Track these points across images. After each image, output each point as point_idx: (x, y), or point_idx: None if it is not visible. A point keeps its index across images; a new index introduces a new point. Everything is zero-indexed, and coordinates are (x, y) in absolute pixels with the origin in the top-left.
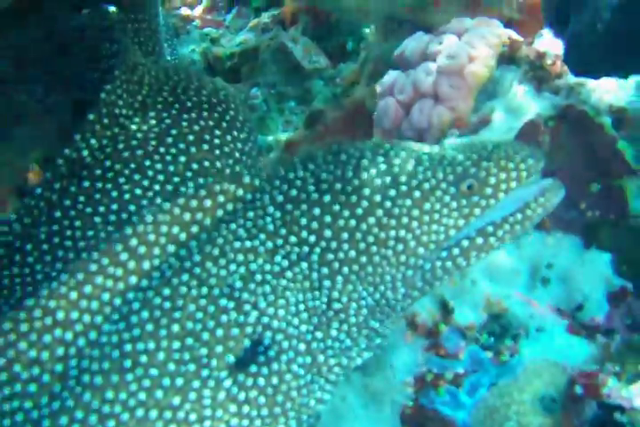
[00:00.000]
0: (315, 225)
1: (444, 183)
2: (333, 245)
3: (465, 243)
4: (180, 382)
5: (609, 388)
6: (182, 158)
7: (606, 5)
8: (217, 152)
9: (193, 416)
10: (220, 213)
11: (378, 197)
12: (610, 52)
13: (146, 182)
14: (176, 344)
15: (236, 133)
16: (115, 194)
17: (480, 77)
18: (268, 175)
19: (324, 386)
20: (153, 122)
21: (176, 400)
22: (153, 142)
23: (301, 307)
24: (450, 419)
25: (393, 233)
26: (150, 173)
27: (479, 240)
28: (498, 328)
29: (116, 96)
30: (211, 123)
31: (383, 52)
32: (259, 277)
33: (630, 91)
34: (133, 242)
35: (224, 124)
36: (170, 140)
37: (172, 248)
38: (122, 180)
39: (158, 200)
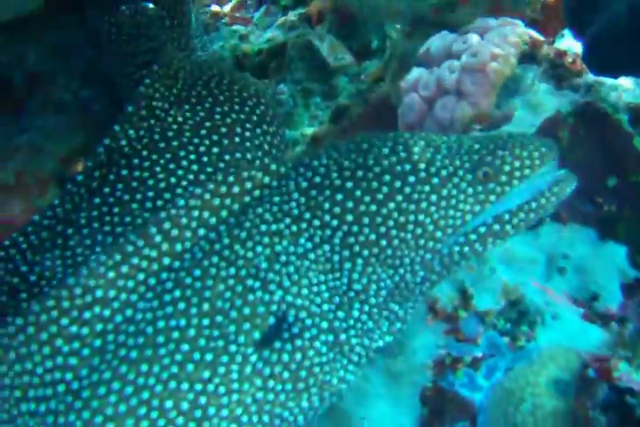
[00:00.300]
0: (337, 210)
1: (461, 170)
2: (354, 228)
3: (482, 229)
4: (209, 356)
5: (620, 372)
6: (215, 150)
7: (625, 7)
8: (247, 144)
9: (222, 389)
10: (247, 198)
11: (398, 183)
12: (629, 52)
13: (180, 172)
14: (206, 321)
15: (265, 127)
16: (151, 182)
17: (502, 75)
18: (294, 163)
19: (347, 366)
20: (188, 114)
21: (206, 374)
22: (187, 134)
23: (323, 287)
24: (467, 400)
25: (412, 217)
26: (184, 162)
27: (496, 227)
28: (515, 315)
29: (153, 90)
30: (242, 116)
31: (407, 51)
32: (283, 258)
33: None
34: (167, 225)
35: (255, 118)
36: (203, 131)
37: (202, 231)
38: (158, 169)
39: (191, 189)
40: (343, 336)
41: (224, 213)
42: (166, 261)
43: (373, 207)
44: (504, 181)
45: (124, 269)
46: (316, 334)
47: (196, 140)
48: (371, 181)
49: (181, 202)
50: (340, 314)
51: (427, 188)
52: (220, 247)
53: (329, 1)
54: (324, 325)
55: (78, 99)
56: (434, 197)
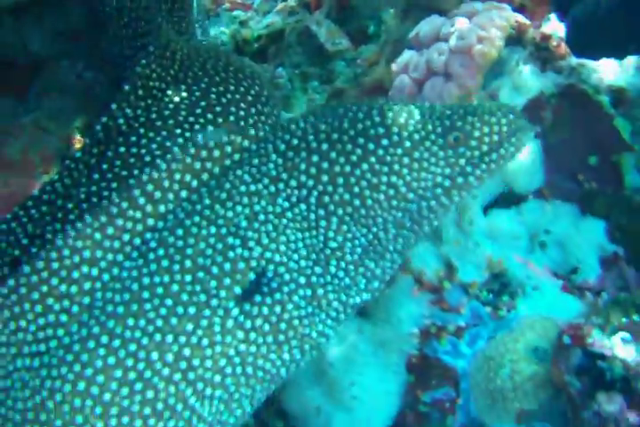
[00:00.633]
0: (313, 170)
1: (433, 135)
2: (329, 188)
3: (447, 183)
4: (192, 310)
5: (593, 338)
6: (210, 128)
7: None
8: (242, 123)
9: (205, 341)
10: (227, 162)
11: (371, 146)
12: (610, 35)
13: (176, 149)
14: (188, 277)
15: (260, 107)
16: (148, 159)
17: (488, 57)
18: (272, 127)
19: (325, 320)
20: (184, 94)
21: (189, 327)
22: (183, 113)
23: (300, 244)
24: (451, 366)
25: (385, 179)
26: (180, 140)
27: (460, 180)
28: (497, 286)
29: (150, 70)
30: (237, 96)
31: (401, 35)
32: (262, 217)
33: (629, 71)
34: (149, 188)
35: (249, 98)
36: (199, 111)
37: (184, 193)
38: (154, 146)
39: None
40: (320, 291)
41: (205, 176)
42: (150, 221)
43: (347, 168)
44: (474, 146)
45: (110, 230)
46: (295, 288)
47: (191, 119)
48: (345, 144)
49: (163, 166)
50: (318, 270)
51: (399, 150)
52: (201, 208)
53: None
54: (302, 280)
55: (82, 81)
56: (406, 160)
